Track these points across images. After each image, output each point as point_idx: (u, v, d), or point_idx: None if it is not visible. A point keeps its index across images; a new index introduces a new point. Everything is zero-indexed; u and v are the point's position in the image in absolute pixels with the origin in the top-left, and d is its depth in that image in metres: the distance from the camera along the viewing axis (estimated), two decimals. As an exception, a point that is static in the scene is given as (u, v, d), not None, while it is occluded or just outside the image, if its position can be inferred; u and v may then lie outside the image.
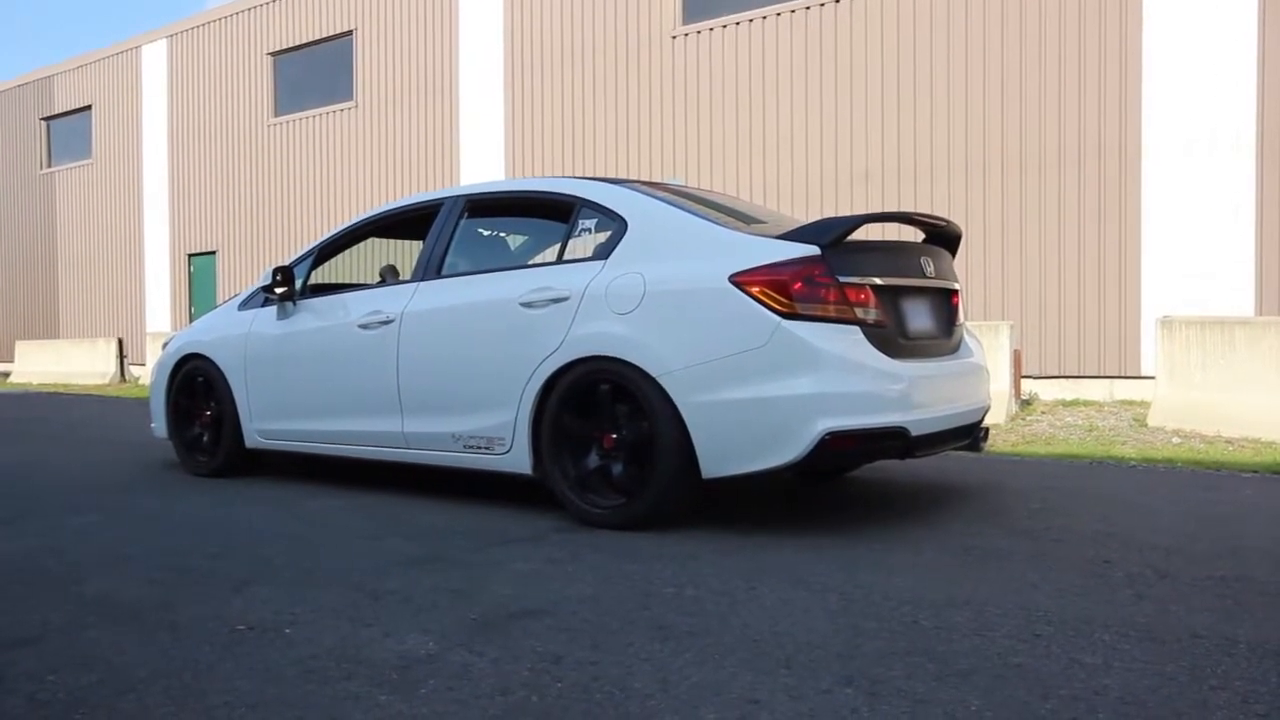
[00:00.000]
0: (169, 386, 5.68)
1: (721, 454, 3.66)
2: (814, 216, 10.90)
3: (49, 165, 21.08)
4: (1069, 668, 2.26)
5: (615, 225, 4.09)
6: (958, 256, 4.65)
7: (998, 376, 8.04)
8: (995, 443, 6.79)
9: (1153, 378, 8.02)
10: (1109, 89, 9.28)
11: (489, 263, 4.77)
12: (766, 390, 3.56)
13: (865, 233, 4.00)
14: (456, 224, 4.68)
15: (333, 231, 5.32)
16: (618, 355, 3.81)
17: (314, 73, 16.28)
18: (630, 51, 12.39)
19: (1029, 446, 6.67)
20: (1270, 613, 2.70)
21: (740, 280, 3.64)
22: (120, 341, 18.09)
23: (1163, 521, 4.00)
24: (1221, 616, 2.66)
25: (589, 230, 4.26)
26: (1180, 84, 9.01)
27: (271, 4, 16.69)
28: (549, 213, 4.64)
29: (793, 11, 11.11)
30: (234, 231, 17.37)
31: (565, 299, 4.01)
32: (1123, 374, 9.24)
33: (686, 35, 11.91)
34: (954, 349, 4.29)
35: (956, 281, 4.40)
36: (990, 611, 2.71)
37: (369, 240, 5.59)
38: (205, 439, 5.54)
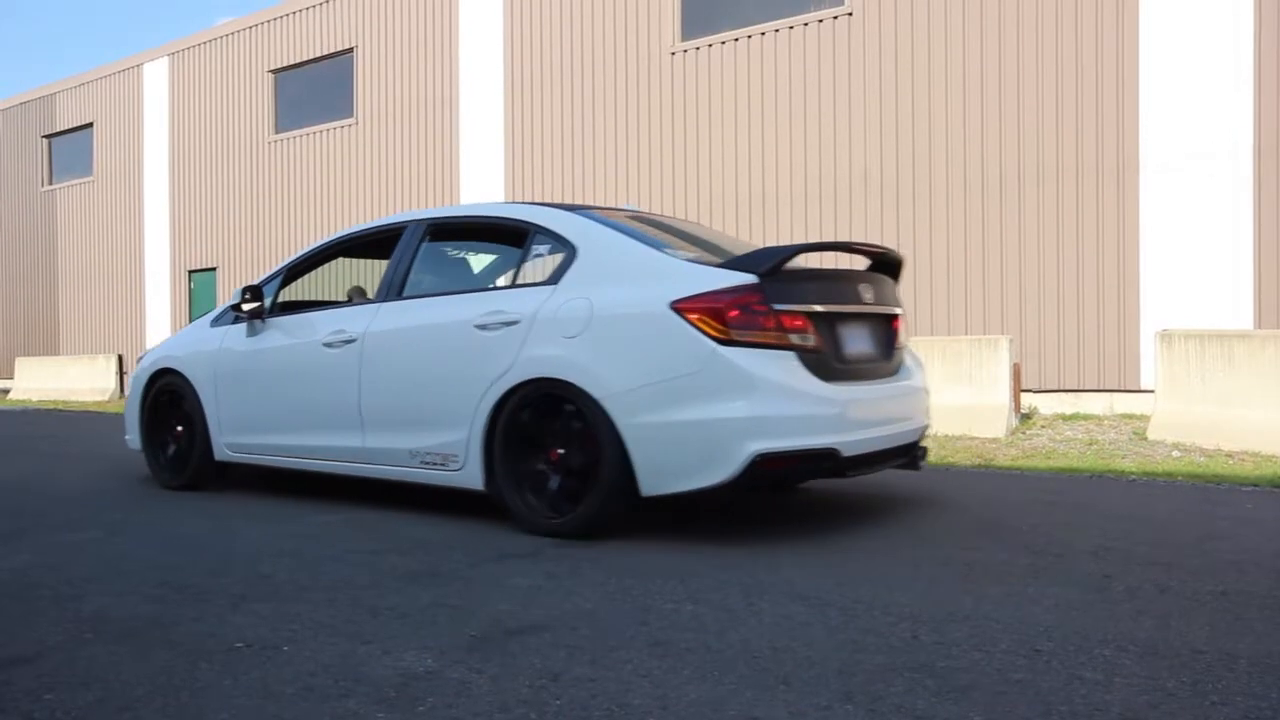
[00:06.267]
0: (143, 400, 5.80)
1: (658, 473, 3.78)
2: (813, 229, 10.94)
3: (50, 182, 21.15)
4: (1069, 683, 2.25)
5: (566, 251, 4.23)
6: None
7: (997, 390, 8.04)
8: (996, 457, 6.79)
9: (1152, 391, 8.02)
10: (1106, 104, 9.33)
11: (447, 285, 4.93)
12: (701, 413, 3.69)
13: (820, 259, 4.05)
14: (418, 247, 4.84)
15: (301, 252, 5.44)
16: (563, 377, 3.95)
17: (314, 90, 16.36)
18: (630, 68, 12.44)
19: (1029, 460, 6.66)
20: (1271, 627, 2.69)
21: (680, 307, 3.77)
22: (120, 358, 18.10)
23: (1163, 535, 4.00)
24: (1222, 631, 2.65)
25: (542, 255, 4.41)
26: (1177, 99, 9.05)
27: (272, 22, 16.79)
28: (505, 238, 4.79)
29: (790, 28, 11.17)
30: (234, 248, 17.41)
31: (517, 322, 4.16)
32: (1122, 387, 9.24)
33: (685, 51, 11.97)
34: (894, 371, 4.41)
35: (898, 306, 4.53)
36: (990, 627, 2.70)
37: (346, 259, 5.72)
38: (177, 451, 5.66)
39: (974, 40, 10.02)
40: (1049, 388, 9.55)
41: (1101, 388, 9.35)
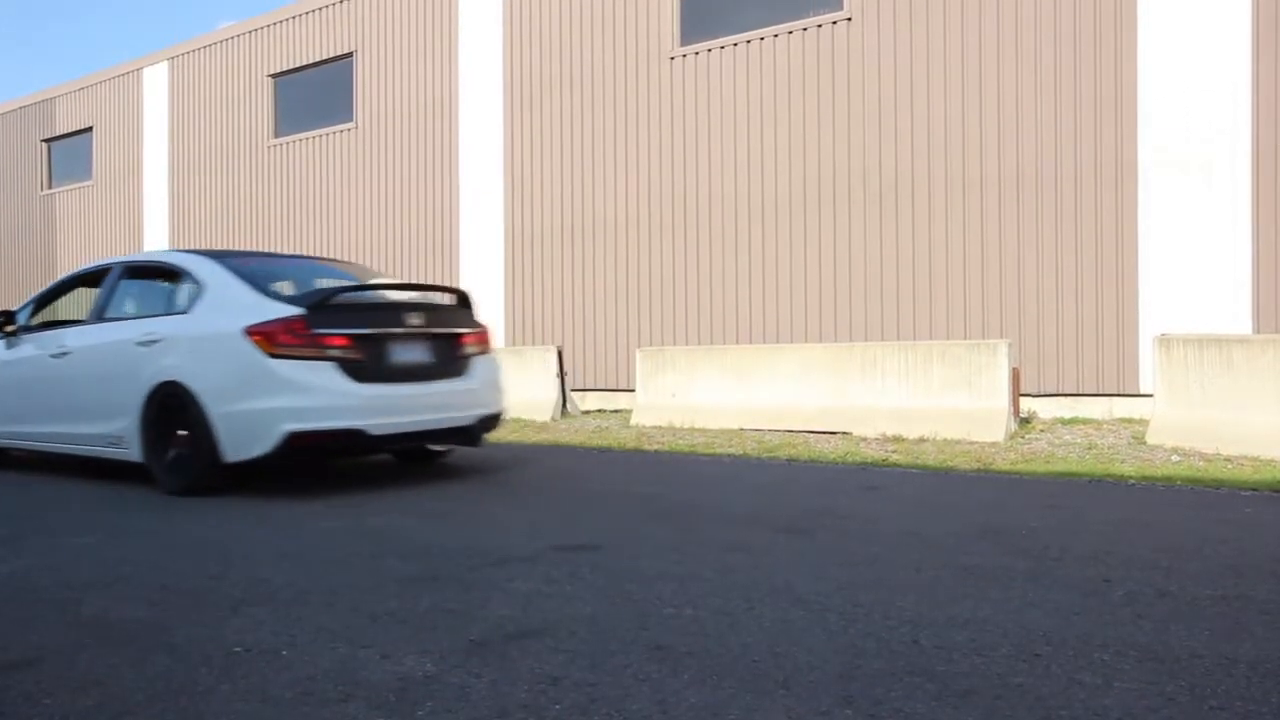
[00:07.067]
0: None
1: (231, 446, 5.33)
2: (811, 232, 10.96)
3: (50, 186, 21.14)
4: (1069, 688, 2.26)
5: (198, 288, 5.81)
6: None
7: (996, 395, 8.04)
8: (995, 461, 6.79)
9: (1151, 396, 8.02)
10: (1105, 108, 9.34)
11: (128, 312, 6.47)
12: (255, 404, 5.25)
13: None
14: (116, 282, 6.51)
15: (50, 284, 7.10)
16: (179, 380, 5.54)
17: (314, 94, 16.35)
18: (629, 73, 12.46)
19: (1028, 465, 6.66)
20: (1270, 631, 2.69)
21: (248, 330, 5.31)
22: (119, 362, 18.05)
23: (1162, 540, 4.00)
24: (1221, 635, 2.65)
25: (187, 290, 5.91)
26: (1175, 104, 9.06)
27: (272, 26, 16.80)
28: (168, 277, 6.35)
29: (790, 33, 11.19)
30: (234, 252, 17.38)
31: (159, 340, 5.72)
32: (1121, 392, 9.25)
33: (684, 56, 11.99)
34: (455, 375, 5.90)
35: (465, 327, 6.08)
36: (990, 631, 2.70)
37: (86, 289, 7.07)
38: None
39: (973, 44, 10.04)
40: (1048, 392, 9.56)
41: (1101, 392, 9.36)
